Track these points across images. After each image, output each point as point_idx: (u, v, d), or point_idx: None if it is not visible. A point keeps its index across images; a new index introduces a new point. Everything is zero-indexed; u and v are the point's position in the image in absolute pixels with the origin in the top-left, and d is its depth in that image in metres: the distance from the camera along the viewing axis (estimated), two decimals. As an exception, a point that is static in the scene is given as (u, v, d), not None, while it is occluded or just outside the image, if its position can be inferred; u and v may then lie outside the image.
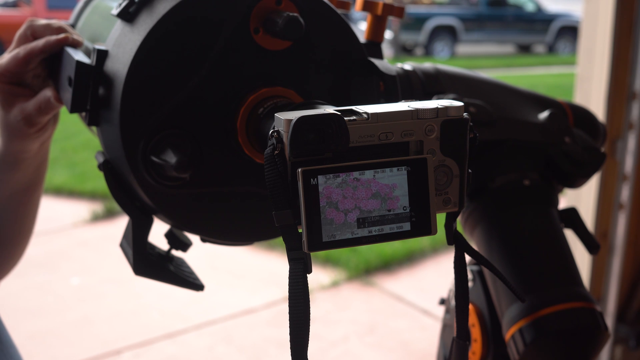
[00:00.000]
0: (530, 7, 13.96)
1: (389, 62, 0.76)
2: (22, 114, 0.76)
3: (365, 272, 3.42)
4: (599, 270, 2.05)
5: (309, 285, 0.53)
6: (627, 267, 2.04)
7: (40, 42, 0.74)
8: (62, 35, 0.74)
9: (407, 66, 0.87)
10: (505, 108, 0.87)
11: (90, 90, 0.67)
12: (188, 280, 0.75)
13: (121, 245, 0.74)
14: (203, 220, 0.70)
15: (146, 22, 0.65)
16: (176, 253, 0.77)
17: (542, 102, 0.92)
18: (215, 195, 0.70)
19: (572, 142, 0.87)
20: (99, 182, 4.59)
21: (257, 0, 0.66)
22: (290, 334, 0.52)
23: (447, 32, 13.01)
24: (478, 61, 11.65)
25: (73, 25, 0.89)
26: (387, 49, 11.50)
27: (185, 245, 0.77)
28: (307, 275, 0.53)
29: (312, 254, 0.52)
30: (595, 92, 1.96)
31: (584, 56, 2.01)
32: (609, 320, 2.04)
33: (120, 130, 0.64)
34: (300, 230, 0.51)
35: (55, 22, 0.78)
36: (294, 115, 0.51)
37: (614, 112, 1.94)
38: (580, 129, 0.91)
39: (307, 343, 0.52)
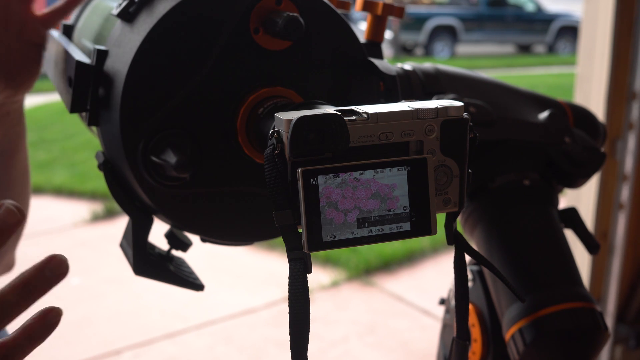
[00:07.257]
0: (530, 7, 13.95)
1: (389, 62, 0.76)
2: None
3: (365, 272, 3.42)
4: (599, 270, 2.05)
5: (309, 285, 0.53)
6: (627, 267, 2.04)
7: None
8: None
9: (407, 66, 0.87)
10: (505, 108, 0.87)
11: (90, 90, 0.67)
12: (188, 280, 0.75)
13: (121, 245, 0.74)
14: (203, 220, 0.70)
15: (146, 22, 0.65)
16: (176, 253, 0.77)
17: (542, 102, 0.92)
18: (215, 195, 0.70)
19: (572, 142, 0.87)
20: (99, 182, 4.59)
21: (257, 0, 0.66)
22: (290, 334, 0.52)
23: (447, 32, 13.01)
24: (478, 61, 11.65)
25: (73, 26, 0.89)
26: (387, 49, 11.49)
27: (185, 245, 0.77)
28: (307, 275, 0.53)
29: (312, 254, 0.52)
30: (595, 92, 1.96)
31: (584, 56, 2.01)
32: (609, 320, 2.04)
33: (120, 130, 0.64)
34: (300, 230, 0.51)
35: None
36: (294, 115, 0.50)
37: (614, 112, 1.94)
38: (580, 129, 0.91)
39: (307, 343, 0.52)
